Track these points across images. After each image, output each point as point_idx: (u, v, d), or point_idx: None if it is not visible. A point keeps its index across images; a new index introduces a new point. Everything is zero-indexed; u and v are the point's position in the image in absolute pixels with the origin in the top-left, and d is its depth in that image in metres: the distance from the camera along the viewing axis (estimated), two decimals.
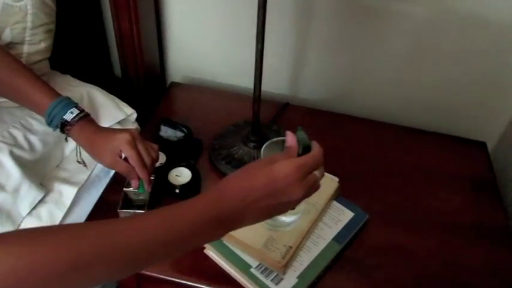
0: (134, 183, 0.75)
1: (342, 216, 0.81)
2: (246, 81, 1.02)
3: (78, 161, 0.84)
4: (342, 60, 1.05)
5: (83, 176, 0.86)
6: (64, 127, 0.74)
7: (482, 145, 1.03)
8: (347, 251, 0.78)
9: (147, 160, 0.74)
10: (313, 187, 0.55)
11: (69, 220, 0.82)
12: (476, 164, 0.98)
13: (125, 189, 0.79)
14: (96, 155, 0.75)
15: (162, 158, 0.88)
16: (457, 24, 0.93)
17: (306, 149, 0.57)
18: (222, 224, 0.50)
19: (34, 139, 0.83)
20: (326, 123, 1.04)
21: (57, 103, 0.74)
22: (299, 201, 0.54)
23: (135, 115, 0.97)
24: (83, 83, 0.96)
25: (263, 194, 0.51)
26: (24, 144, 0.81)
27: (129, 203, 0.80)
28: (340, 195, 0.84)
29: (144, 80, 1.08)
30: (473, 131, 1.07)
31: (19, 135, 0.81)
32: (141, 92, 1.10)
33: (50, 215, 0.81)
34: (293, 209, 0.55)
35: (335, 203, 0.83)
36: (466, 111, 1.06)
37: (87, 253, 0.43)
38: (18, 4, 0.81)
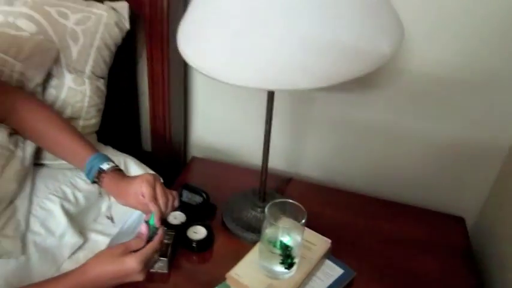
0: (146, 215, 0.87)
1: (332, 271, 0.95)
2: (255, 160, 1.20)
3: (107, 216, 1.00)
4: (337, 144, 1.24)
5: (115, 229, 1.03)
6: (100, 175, 0.88)
7: (460, 220, 1.17)
8: None
9: (161, 198, 0.86)
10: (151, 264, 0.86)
11: None
12: (454, 237, 1.11)
13: None
14: (122, 198, 0.88)
15: (182, 218, 1.04)
16: (432, 105, 1.12)
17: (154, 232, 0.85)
18: None
19: (79, 195, 1.00)
20: (323, 196, 1.20)
21: (97, 156, 0.90)
22: (139, 279, 0.80)
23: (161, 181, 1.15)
24: (120, 153, 1.15)
25: (113, 277, 0.78)
26: (72, 198, 0.99)
27: None
28: (332, 255, 0.99)
29: (170, 154, 1.27)
30: (453, 206, 1.22)
31: (68, 191, 0.99)
32: (166, 164, 1.29)
33: (86, 260, 0.96)
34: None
35: (327, 261, 0.97)
36: (446, 188, 1.22)
37: None
38: (79, 88, 1.03)
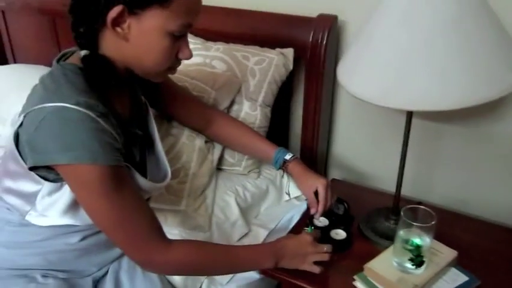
0: (313, 210, 1.16)
1: (458, 278, 1.08)
2: (386, 186, 1.39)
3: (286, 193, 1.31)
4: (463, 176, 1.37)
5: (272, 225, 1.28)
6: (284, 164, 1.19)
7: None
8: None
9: (328, 201, 1.16)
10: (320, 251, 1.08)
11: None
12: None
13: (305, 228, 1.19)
14: (300, 184, 1.18)
15: (326, 222, 1.25)
16: None
17: None
18: (274, 258, 1.03)
19: (247, 194, 1.29)
20: (451, 219, 1.33)
21: (279, 150, 1.21)
22: (311, 255, 1.06)
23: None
24: None
25: (294, 247, 1.06)
26: (242, 195, 1.27)
27: None
28: (460, 266, 1.12)
29: None
30: None
31: (240, 190, 1.28)
32: None
33: None
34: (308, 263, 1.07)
35: (454, 269, 1.11)
36: None
37: (217, 262, 1.00)
38: (253, 113, 1.34)
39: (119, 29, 0.87)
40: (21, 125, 0.86)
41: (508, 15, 1.07)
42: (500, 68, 0.88)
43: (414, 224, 1.02)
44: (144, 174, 0.97)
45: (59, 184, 0.90)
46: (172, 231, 1.13)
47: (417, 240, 1.04)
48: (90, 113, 0.81)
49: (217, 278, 1.14)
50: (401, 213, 1.05)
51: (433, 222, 1.01)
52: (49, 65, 1.82)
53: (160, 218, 1.13)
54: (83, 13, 0.88)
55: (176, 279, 1.07)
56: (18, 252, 0.99)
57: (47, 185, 0.90)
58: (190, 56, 0.94)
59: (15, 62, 2.12)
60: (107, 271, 1.06)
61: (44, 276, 0.99)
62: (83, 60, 0.88)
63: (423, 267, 1.05)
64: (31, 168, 0.87)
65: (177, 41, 0.90)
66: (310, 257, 1.06)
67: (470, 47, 0.87)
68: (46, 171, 0.88)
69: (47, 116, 0.80)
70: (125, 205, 0.87)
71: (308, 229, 1.13)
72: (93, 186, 0.83)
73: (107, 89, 0.89)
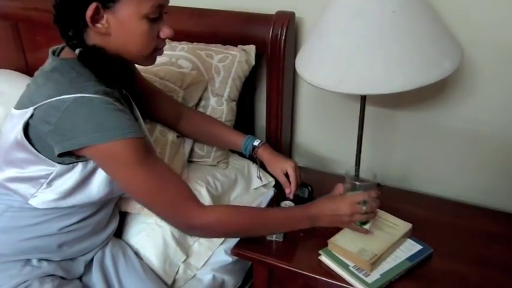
0: (287, 190, 1.25)
1: (413, 247, 1.19)
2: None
3: (258, 177, 1.40)
4: (416, 158, 1.50)
5: None
6: (253, 150, 1.27)
7: None
8: (416, 269, 1.15)
9: (298, 181, 1.26)
10: (358, 212, 1.10)
11: None
12: None
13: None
14: (270, 168, 1.27)
15: (292, 204, 1.34)
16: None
17: None
18: (310, 222, 1.11)
19: (218, 183, 1.37)
20: (408, 197, 1.46)
21: (248, 138, 1.29)
22: (348, 217, 1.10)
23: (273, 182, 1.49)
24: (244, 159, 1.50)
25: (330, 212, 1.10)
26: (213, 185, 1.35)
27: None
28: (414, 237, 1.23)
29: None
30: None
31: (210, 180, 1.36)
32: None
33: None
34: (347, 223, 1.14)
35: (409, 240, 1.22)
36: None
37: (255, 224, 1.05)
38: (219, 108, 1.42)
39: (99, 25, 0.94)
40: (31, 117, 0.92)
41: (443, 5, 1.20)
42: (436, 55, 0.99)
43: (357, 183, 1.14)
44: None
45: (70, 166, 0.96)
46: (148, 220, 1.20)
47: None
48: (108, 99, 0.90)
49: (193, 262, 1.22)
50: (345, 178, 1.15)
51: (374, 181, 1.15)
52: (15, 68, 1.88)
53: (137, 208, 1.21)
54: (64, 19, 0.96)
55: (155, 264, 1.14)
56: (15, 237, 1.04)
57: (60, 168, 0.96)
58: (171, 34, 1.01)
59: None
60: (93, 257, 1.13)
61: (39, 259, 1.04)
62: (82, 55, 0.96)
63: (369, 223, 1.16)
64: (60, 155, 0.93)
65: (154, 23, 0.99)
66: (349, 223, 1.13)
67: (409, 38, 0.98)
68: (68, 155, 0.94)
69: (70, 106, 0.88)
70: (159, 172, 0.96)
71: None
72: (126, 159, 0.91)
73: (109, 78, 0.98)
